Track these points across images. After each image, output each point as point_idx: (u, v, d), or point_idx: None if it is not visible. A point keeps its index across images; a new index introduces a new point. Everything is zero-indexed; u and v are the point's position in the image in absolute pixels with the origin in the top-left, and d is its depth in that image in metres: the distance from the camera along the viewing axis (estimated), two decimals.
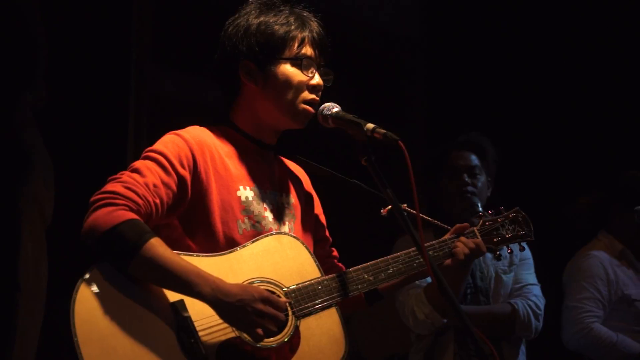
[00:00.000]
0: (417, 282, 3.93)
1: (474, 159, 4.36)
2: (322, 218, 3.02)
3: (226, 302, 2.40)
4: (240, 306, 2.40)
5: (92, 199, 2.45)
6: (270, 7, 2.78)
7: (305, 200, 2.95)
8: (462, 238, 2.96)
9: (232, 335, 2.46)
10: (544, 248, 4.07)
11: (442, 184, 4.37)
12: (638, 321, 4.61)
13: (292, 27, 2.73)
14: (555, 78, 5.98)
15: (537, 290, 4.24)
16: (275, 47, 2.71)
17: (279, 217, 2.78)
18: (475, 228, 3.04)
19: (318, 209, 3.01)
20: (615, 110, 5.79)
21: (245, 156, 2.76)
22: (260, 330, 2.42)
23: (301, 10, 2.81)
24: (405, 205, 2.84)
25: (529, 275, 4.27)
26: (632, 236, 4.75)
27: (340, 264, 2.99)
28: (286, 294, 2.58)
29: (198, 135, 2.68)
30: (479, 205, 4.20)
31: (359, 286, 2.73)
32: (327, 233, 3.02)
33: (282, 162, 2.95)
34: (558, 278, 4.83)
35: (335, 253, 3.04)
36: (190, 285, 2.40)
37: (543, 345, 4.48)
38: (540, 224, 3.28)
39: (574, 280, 4.68)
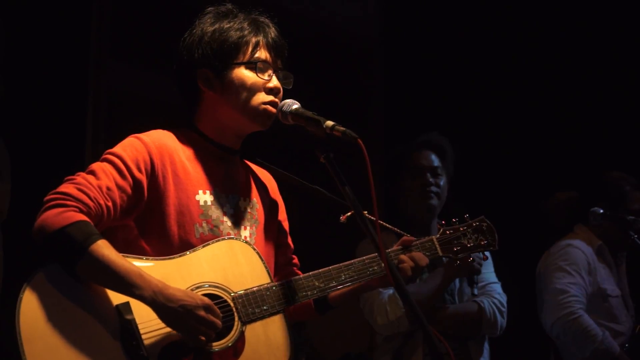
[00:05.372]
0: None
1: (435, 159, 4.38)
2: (286, 224, 3.02)
3: (167, 306, 2.42)
4: (183, 312, 2.42)
5: (45, 199, 2.46)
6: (226, 14, 2.80)
7: (270, 205, 2.95)
8: (413, 253, 2.91)
9: (175, 338, 2.47)
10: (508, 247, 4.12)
11: (403, 183, 4.38)
12: (609, 317, 4.61)
13: (246, 32, 2.74)
14: (517, 76, 6.03)
15: (499, 288, 4.29)
16: (229, 53, 2.72)
17: (239, 222, 2.78)
18: (434, 237, 3.02)
19: (282, 215, 3.01)
20: (573, 109, 5.87)
21: (207, 160, 2.76)
22: (200, 337, 2.44)
23: (258, 15, 2.82)
24: (366, 212, 2.80)
25: (490, 274, 4.31)
26: (610, 234, 4.75)
27: (299, 272, 2.98)
28: (234, 299, 2.59)
29: (159, 138, 2.69)
30: (437, 207, 4.25)
31: (308, 293, 2.73)
32: (290, 240, 3.03)
33: (248, 166, 2.95)
34: (523, 275, 4.87)
35: (295, 260, 3.05)
36: (133, 287, 2.41)
37: (504, 342, 4.51)
38: (504, 222, 3.29)
39: (555, 266, 4.63)
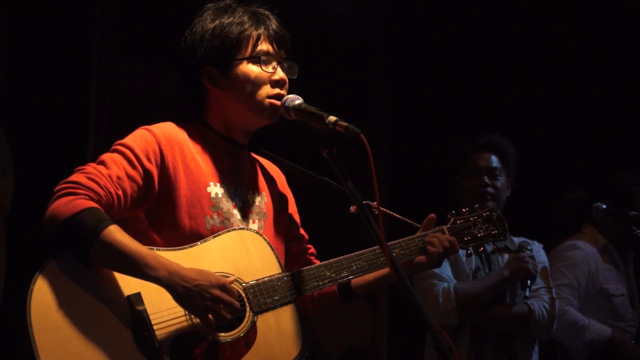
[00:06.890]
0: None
1: (495, 160, 4.45)
2: (297, 217, 3.03)
3: (183, 286, 2.42)
4: (197, 291, 2.42)
5: (55, 188, 2.47)
6: (225, 9, 2.79)
7: (279, 199, 2.95)
8: (439, 235, 2.94)
9: (188, 329, 2.48)
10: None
11: (461, 183, 4.45)
12: (613, 316, 4.68)
13: (247, 26, 2.74)
14: (525, 72, 6.00)
15: (552, 292, 4.36)
16: (232, 49, 2.73)
17: (248, 215, 2.79)
18: (445, 227, 3.03)
19: (292, 208, 3.02)
20: (582, 109, 5.85)
21: (216, 154, 2.77)
22: (213, 316, 2.45)
23: (257, 7, 2.82)
24: (375, 203, 2.79)
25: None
26: (616, 233, 4.81)
27: (317, 261, 2.98)
28: (245, 289, 2.59)
29: (169, 131, 2.69)
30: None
31: (320, 282, 2.73)
32: (302, 231, 3.03)
33: (257, 160, 2.95)
34: None
35: (312, 250, 3.05)
36: (147, 269, 2.42)
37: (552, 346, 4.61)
38: (513, 222, 3.30)
39: (554, 267, 4.71)
